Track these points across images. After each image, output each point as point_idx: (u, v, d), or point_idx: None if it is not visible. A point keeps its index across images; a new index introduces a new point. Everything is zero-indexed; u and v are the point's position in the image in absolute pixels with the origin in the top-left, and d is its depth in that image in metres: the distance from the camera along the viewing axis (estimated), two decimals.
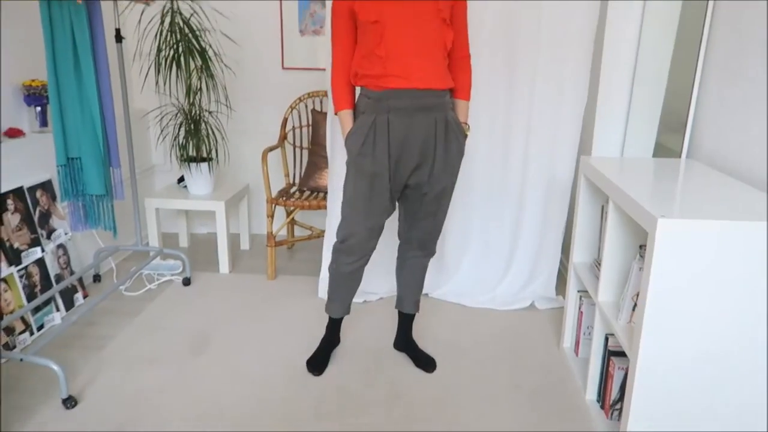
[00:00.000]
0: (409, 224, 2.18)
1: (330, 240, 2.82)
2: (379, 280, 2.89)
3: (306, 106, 3.44)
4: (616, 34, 2.51)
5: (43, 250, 2.56)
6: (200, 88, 3.09)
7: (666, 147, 2.50)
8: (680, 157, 2.22)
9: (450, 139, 2.00)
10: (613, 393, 1.87)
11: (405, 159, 1.99)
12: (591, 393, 2.03)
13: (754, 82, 1.80)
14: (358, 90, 2.06)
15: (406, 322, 2.38)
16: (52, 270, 2.61)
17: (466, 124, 2.09)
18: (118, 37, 2.79)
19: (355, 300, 2.79)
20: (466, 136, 2.07)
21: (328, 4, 2.51)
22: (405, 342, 2.38)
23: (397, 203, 2.16)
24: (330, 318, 2.34)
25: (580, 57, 2.58)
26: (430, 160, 2.01)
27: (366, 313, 2.73)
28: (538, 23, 2.55)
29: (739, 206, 1.54)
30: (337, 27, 1.96)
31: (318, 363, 2.26)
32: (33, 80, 2.65)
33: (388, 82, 1.90)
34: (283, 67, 3.53)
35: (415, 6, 1.86)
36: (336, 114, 2.04)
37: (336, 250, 2.16)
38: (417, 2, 1.86)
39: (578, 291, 2.28)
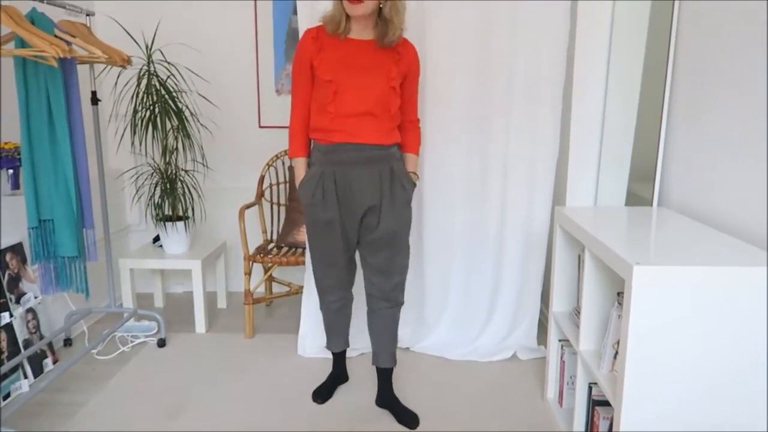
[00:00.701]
0: (369, 276, 2.25)
1: (309, 296, 2.79)
2: (359, 335, 2.85)
3: (283, 163, 3.47)
4: (584, 88, 2.60)
5: (11, 315, 2.48)
6: (176, 148, 3.10)
7: (637, 195, 2.55)
8: (651, 205, 2.27)
9: (395, 188, 2.12)
10: None
11: (353, 208, 2.11)
12: None
13: (718, 130, 1.87)
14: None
15: (385, 377, 2.34)
16: (21, 335, 2.53)
17: (414, 173, 2.24)
18: (94, 100, 2.80)
19: None
20: (414, 184, 2.20)
21: None
22: (386, 398, 2.33)
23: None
24: (333, 354, 2.47)
25: (550, 111, 2.67)
26: (377, 210, 2.11)
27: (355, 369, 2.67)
28: (510, 80, 2.64)
29: (713, 252, 1.57)
30: (297, 80, 2.11)
31: (323, 392, 2.40)
32: (6, 143, 2.63)
33: (335, 137, 2.05)
34: (259, 126, 3.57)
35: (368, 72, 2.03)
36: (292, 159, 2.18)
37: (318, 293, 2.34)
38: (370, 69, 2.03)
39: (559, 340, 2.27)
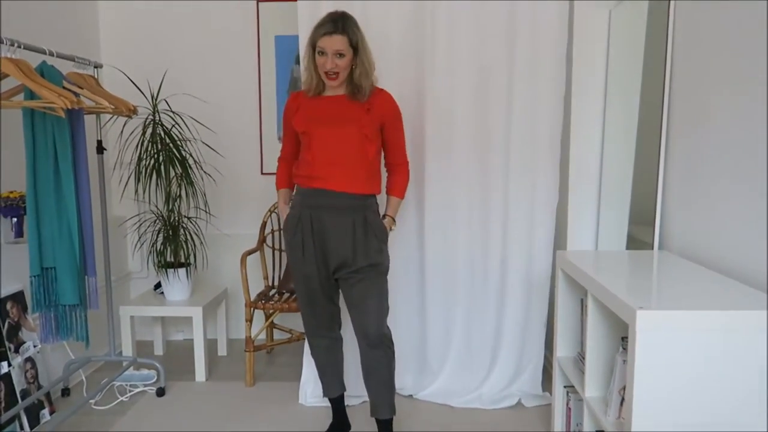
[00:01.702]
0: (351, 316, 2.30)
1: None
2: (359, 381, 2.80)
3: None
4: (582, 131, 2.65)
5: (9, 365, 2.45)
6: (180, 195, 3.13)
7: (638, 239, 2.56)
8: (652, 248, 2.28)
9: (369, 238, 2.22)
10: None
11: (328, 249, 2.23)
12: None
13: (716, 173, 1.90)
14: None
15: (385, 428, 2.30)
16: (18, 385, 2.49)
17: (391, 217, 2.34)
18: (100, 149, 2.85)
19: None
20: (387, 232, 2.30)
21: None
22: None
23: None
24: (330, 401, 2.45)
25: (549, 155, 2.70)
26: (350, 254, 2.20)
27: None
28: (508, 125, 2.69)
29: (714, 295, 1.56)
30: (284, 129, 2.40)
31: None
32: (11, 191, 2.66)
33: (313, 183, 2.20)
34: (262, 173, 3.61)
35: (340, 123, 2.18)
36: (278, 190, 2.43)
37: (307, 337, 2.44)
38: (342, 120, 2.19)
39: (564, 386, 2.24)
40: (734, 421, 1.47)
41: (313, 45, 2.13)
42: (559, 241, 2.86)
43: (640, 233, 2.53)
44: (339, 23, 2.10)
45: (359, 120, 2.17)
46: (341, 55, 2.10)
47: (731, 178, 1.80)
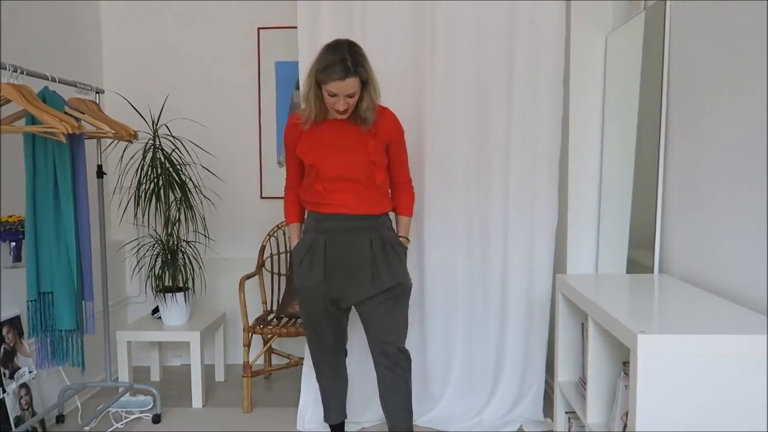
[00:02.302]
0: (370, 338, 2.25)
1: (309, 368, 2.74)
2: (359, 407, 2.77)
3: (284, 233, 3.49)
4: (580, 154, 2.66)
5: (4, 391, 2.42)
6: (179, 219, 3.13)
7: (638, 263, 2.55)
8: (652, 272, 2.27)
9: (388, 252, 2.19)
10: None
11: (342, 274, 2.18)
12: None
13: (716, 197, 1.90)
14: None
15: None
16: (13, 412, 2.46)
17: (406, 238, 2.32)
18: (100, 173, 2.86)
19: None
20: (405, 249, 2.28)
21: None
22: None
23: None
24: (330, 427, 2.42)
25: (548, 181, 2.72)
26: (369, 272, 2.15)
27: None
28: (506, 150, 2.70)
29: (716, 320, 1.55)
30: (287, 158, 2.33)
31: None
32: (10, 216, 2.66)
33: (325, 209, 2.17)
34: (261, 197, 3.62)
35: (347, 152, 2.14)
36: (288, 225, 2.35)
37: (312, 361, 2.40)
38: (349, 149, 2.15)
39: (566, 412, 2.21)
40: None
41: (318, 83, 2.06)
42: (559, 263, 2.86)
43: (640, 257, 2.52)
44: (350, 65, 2.00)
45: (366, 146, 2.15)
46: (352, 95, 2.06)
47: (731, 202, 1.80)
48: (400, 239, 2.30)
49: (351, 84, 2.01)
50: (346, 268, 2.18)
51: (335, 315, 2.27)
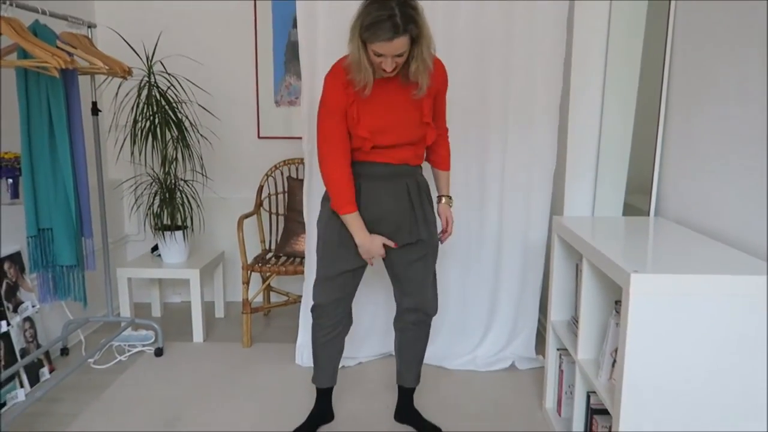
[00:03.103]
0: (405, 291, 2.15)
1: (307, 305, 2.79)
2: (356, 344, 2.85)
3: (282, 174, 3.48)
4: (581, 98, 2.63)
5: (8, 324, 2.47)
6: (176, 158, 3.12)
7: (634, 207, 2.57)
8: (648, 215, 2.29)
9: (423, 198, 2.09)
10: None
11: (378, 222, 2.03)
12: None
13: (715, 141, 1.89)
14: None
15: (407, 394, 2.32)
16: (18, 344, 2.52)
17: (449, 196, 2.21)
18: (95, 110, 2.82)
19: None
20: (450, 200, 2.21)
21: (305, 76, 2.59)
22: (408, 413, 2.31)
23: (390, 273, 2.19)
24: (317, 390, 2.30)
25: (547, 123, 2.69)
26: (408, 219, 2.04)
27: (345, 379, 2.67)
28: (506, 92, 2.66)
29: (710, 261, 1.58)
30: (335, 129, 1.93)
31: None
32: (6, 152, 2.64)
33: (366, 158, 1.99)
34: (258, 137, 3.59)
35: (402, 122, 1.96)
36: (343, 215, 1.98)
37: (313, 318, 2.18)
38: (404, 115, 1.95)
39: (558, 349, 2.28)
40: (727, 386, 1.50)
41: (363, 41, 1.78)
42: (556, 208, 2.87)
43: (637, 201, 2.54)
44: (399, 23, 1.70)
45: (420, 109, 1.97)
46: (401, 54, 1.79)
47: (730, 145, 1.80)
48: (445, 199, 2.20)
49: (400, 44, 1.74)
50: (384, 217, 2.03)
51: (358, 266, 2.10)
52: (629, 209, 2.62)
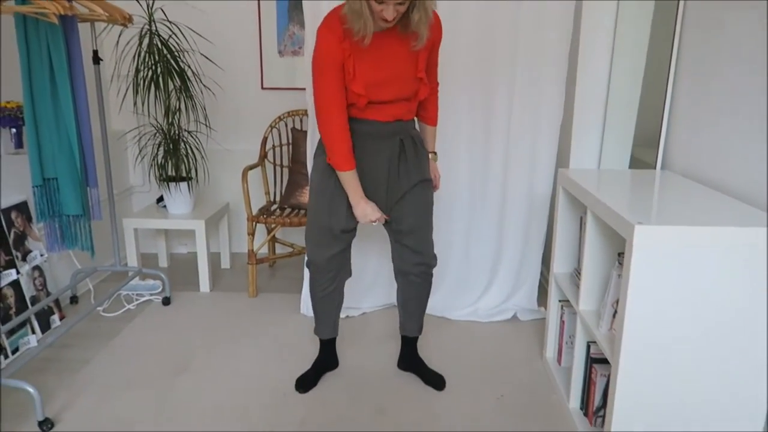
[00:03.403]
0: (403, 244, 2.14)
1: None
2: (360, 295, 2.89)
3: (286, 125, 3.45)
4: (590, 51, 2.57)
5: (18, 272, 2.51)
6: (179, 109, 3.09)
7: (641, 160, 2.55)
8: (655, 168, 2.27)
9: (419, 151, 2.08)
10: (596, 400, 1.88)
11: (371, 181, 2.03)
12: (574, 401, 2.04)
13: (723, 94, 1.86)
14: None
15: (410, 343, 2.36)
16: (28, 292, 2.56)
17: (434, 153, 2.20)
18: (96, 59, 2.78)
19: None
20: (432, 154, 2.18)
21: (308, 26, 2.54)
22: (412, 362, 2.35)
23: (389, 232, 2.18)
24: (320, 340, 2.34)
25: (555, 75, 2.64)
26: (403, 170, 2.04)
27: (349, 329, 2.72)
28: (515, 42, 2.61)
29: (714, 213, 1.57)
30: (331, 85, 1.86)
31: (305, 382, 2.25)
32: (8, 102, 2.62)
33: (360, 114, 1.96)
34: (262, 87, 3.55)
35: (397, 78, 1.91)
36: (341, 173, 1.95)
37: (309, 274, 2.20)
38: (399, 71, 1.91)
39: (559, 301, 2.30)
40: (726, 337, 1.52)
41: None
42: (562, 162, 2.85)
43: (644, 155, 2.52)
44: None
45: (415, 63, 1.93)
46: (402, 2, 1.74)
47: (739, 99, 1.76)
48: (429, 154, 2.16)
49: None
50: (377, 174, 2.03)
51: (351, 222, 2.08)
52: (636, 163, 2.60)
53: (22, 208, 2.62)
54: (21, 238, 2.58)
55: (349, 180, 1.96)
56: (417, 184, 2.08)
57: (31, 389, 1.97)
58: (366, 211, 2.00)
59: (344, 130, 1.92)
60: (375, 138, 2.00)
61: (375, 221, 2.02)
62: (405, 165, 2.05)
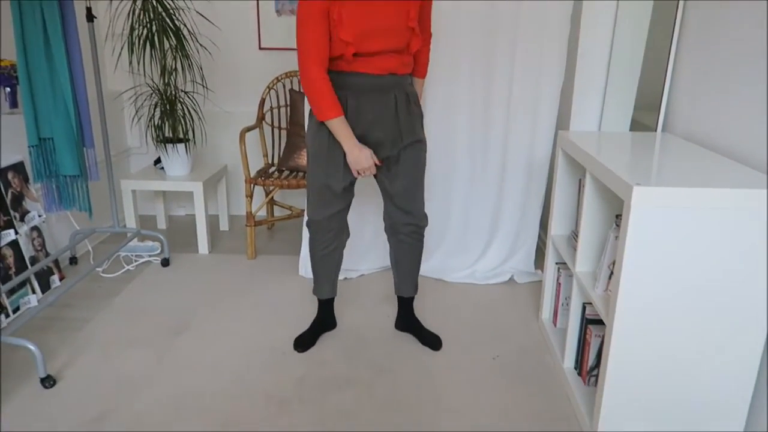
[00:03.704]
0: (395, 203, 2.14)
1: None
2: (358, 257, 2.90)
3: (284, 86, 3.41)
4: (593, 13, 2.52)
5: (16, 233, 2.51)
6: (175, 68, 3.05)
7: (642, 123, 2.53)
8: (656, 131, 2.25)
9: (411, 109, 2.04)
10: (590, 360, 1.91)
11: (363, 138, 2.00)
12: (569, 361, 2.07)
13: (726, 57, 1.83)
14: None
15: (407, 303, 2.38)
16: (27, 252, 2.57)
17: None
18: (90, 16, 2.73)
19: None
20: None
21: None
22: (409, 322, 2.37)
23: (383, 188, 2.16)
24: (318, 300, 2.36)
25: (557, 36, 2.59)
26: (396, 130, 2.02)
27: (348, 291, 2.74)
28: (517, 4, 2.55)
29: (714, 175, 1.57)
30: (314, 30, 1.82)
31: (304, 341, 2.27)
32: (1, 60, 2.58)
33: (349, 68, 1.91)
34: (260, 48, 3.49)
35: (387, 29, 1.87)
36: (328, 121, 1.90)
37: (310, 232, 2.19)
38: (388, 25, 1.86)
39: (556, 263, 2.32)
40: (720, 296, 1.53)
41: None
42: (562, 124, 2.83)
43: (645, 118, 2.49)
44: None
45: (408, 13, 1.89)
46: None
47: (743, 60, 1.74)
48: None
49: None
50: (370, 129, 2.00)
51: (348, 180, 2.07)
52: (637, 126, 2.58)
53: (18, 168, 2.61)
54: (18, 198, 2.58)
55: (339, 127, 1.92)
56: (409, 145, 2.06)
57: (32, 347, 1.99)
58: (359, 158, 1.96)
59: (324, 79, 1.86)
60: (366, 92, 1.95)
61: (367, 171, 1.99)
62: (397, 124, 2.02)
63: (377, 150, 2.04)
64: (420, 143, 2.09)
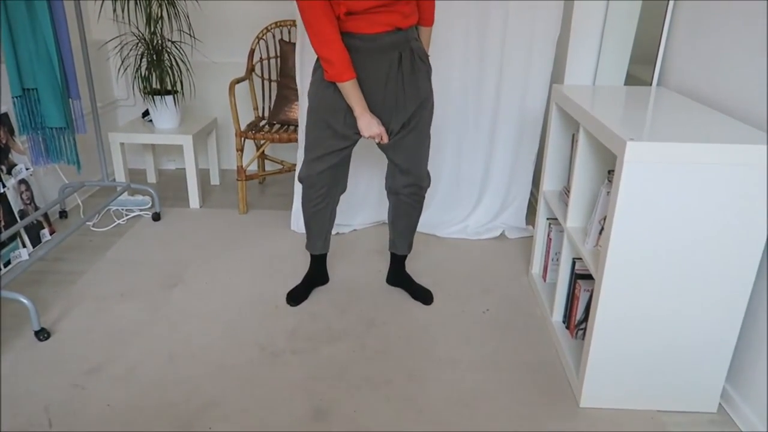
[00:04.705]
0: (397, 164, 2.10)
1: None
2: (351, 212, 2.90)
3: (273, 36, 3.33)
4: None
5: (4, 186, 2.48)
6: (161, 16, 2.96)
7: (637, 77, 2.50)
8: (651, 85, 2.23)
9: (417, 67, 1.96)
10: (579, 314, 1.94)
11: (369, 96, 1.94)
12: (557, 315, 2.11)
13: (724, 10, 1.80)
14: None
15: (399, 260, 2.38)
16: (15, 206, 2.55)
17: (426, 54, 2.06)
18: None
19: None
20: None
21: None
22: (401, 277, 2.39)
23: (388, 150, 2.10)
24: (311, 255, 2.35)
25: None
26: (400, 96, 1.95)
27: (340, 245, 2.75)
28: None
29: (707, 130, 1.56)
30: None
31: (296, 295, 2.29)
32: None
33: (345, 28, 1.84)
34: None
35: None
36: (342, 83, 1.85)
37: (303, 187, 2.15)
38: None
39: (547, 219, 2.33)
40: (711, 252, 1.55)
41: None
42: (557, 78, 2.79)
43: (640, 72, 2.46)
44: None
45: None
46: None
47: (740, 16, 1.70)
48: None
49: None
50: (375, 90, 1.93)
51: (348, 140, 2.03)
52: (632, 80, 2.55)
53: (3, 119, 2.55)
54: (4, 151, 2.53)
55: (351, 91, 1.86)
56: (412, 114, 1.99)
57: (25, 300, 2.00)
58: (371, 123, 1.91)
59: (337, 38, 1.80)
60: (367, 55, 1.88)
61: (377, 136, 1.95)
62: (402, 86, 1.94)
63: (382, 116, 1.98)
64: (426, 103, 2.01)
